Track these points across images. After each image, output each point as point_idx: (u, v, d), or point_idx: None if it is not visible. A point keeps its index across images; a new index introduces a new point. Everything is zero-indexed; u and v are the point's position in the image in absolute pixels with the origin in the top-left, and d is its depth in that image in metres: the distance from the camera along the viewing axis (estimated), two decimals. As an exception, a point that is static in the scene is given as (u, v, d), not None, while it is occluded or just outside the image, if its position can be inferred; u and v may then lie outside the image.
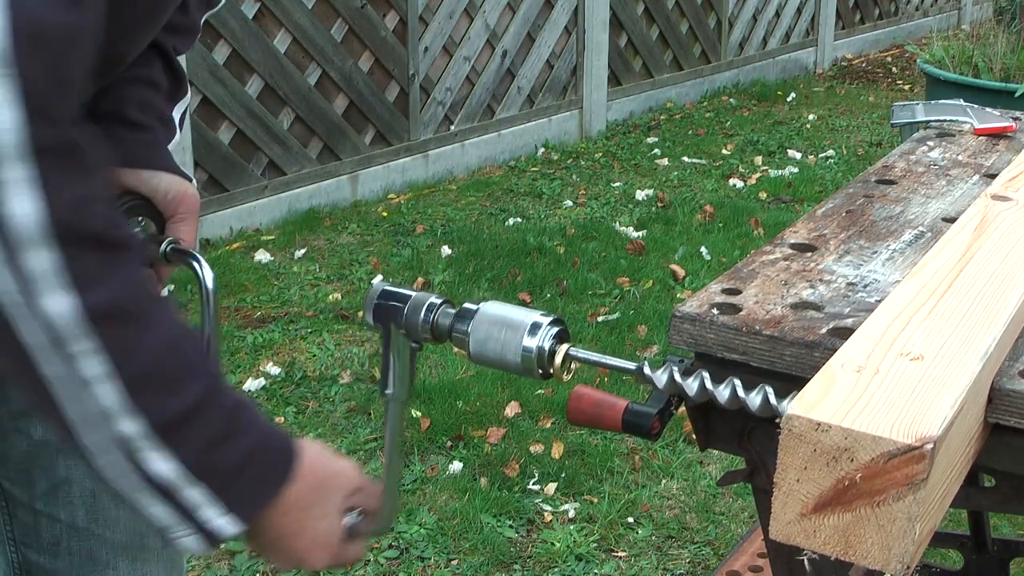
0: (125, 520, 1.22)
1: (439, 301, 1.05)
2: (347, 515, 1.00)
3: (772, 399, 0.91)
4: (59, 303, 0.80)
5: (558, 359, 1.01)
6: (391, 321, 1.05)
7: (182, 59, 1.24)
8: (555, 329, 1.01)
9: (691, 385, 0.95)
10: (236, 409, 0.89)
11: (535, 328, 1.00)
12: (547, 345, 1.00)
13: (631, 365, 1.00)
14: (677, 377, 0.96)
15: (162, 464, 0.85)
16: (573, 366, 1.02)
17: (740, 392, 0.93)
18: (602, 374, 3.21)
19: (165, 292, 1.20)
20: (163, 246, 1.15)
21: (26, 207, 0.77)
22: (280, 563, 0.97)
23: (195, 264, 1.15)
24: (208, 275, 1.16)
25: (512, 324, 1.01)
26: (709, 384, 0.94)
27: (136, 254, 0.86)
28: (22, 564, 1.24)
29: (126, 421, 0.83)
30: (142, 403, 0.84)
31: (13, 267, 0.78)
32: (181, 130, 1.22)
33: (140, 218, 1.15)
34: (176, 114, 1.20)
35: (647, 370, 0.98)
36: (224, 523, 0.89)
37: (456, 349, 1.07)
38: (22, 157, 0.77)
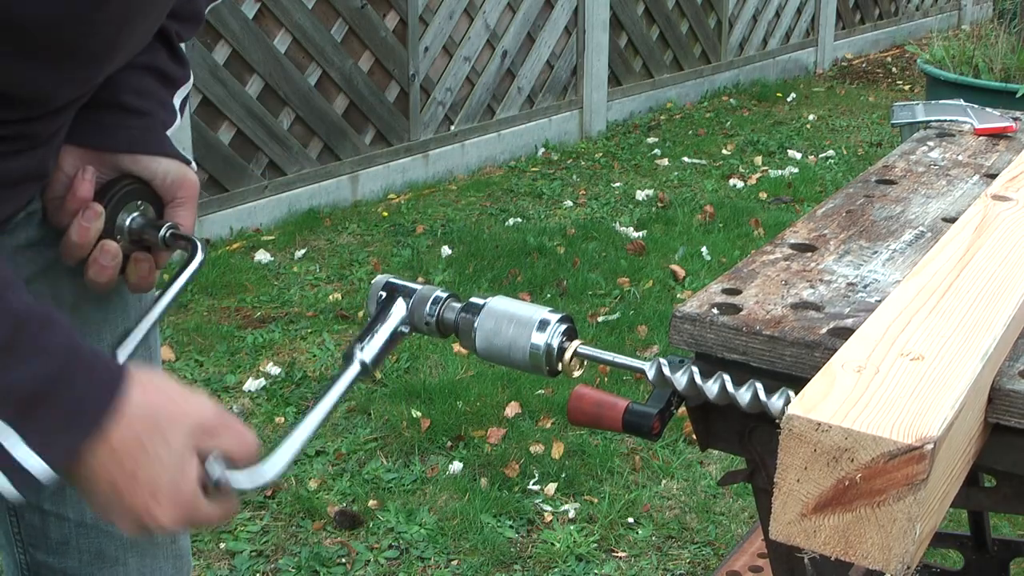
0: None
1: (445, 295, 1.05)
2: (209, 463, 0.85)
3: (762, 395, 0.90)
4: None
5: (567, 355, 1.00)
6: (401, 297, 1.03)
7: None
8: (564, 326, 1.01)
9: (679, 379, 0.95)
10: (31, 325, 0.78)
11: (544, 325, 1.00)
12: (555, 342, 1.00)
13: (639, 364, 1.00)
14: (665, 371, 0.96)
15: None
16: (575, 363, 1.02)
17: (730, 387, 0.93)
18: (602, 373, 3.21)
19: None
20: (162, 231, 1.14)
21: None
22: (119, 521, 0.84)
23: (193, 249, 1.15)
24: (198, 260, 1.15)
25: (520, 320, 1.01)
26: (698, 379, 0.94)
27: None
28: (30, 565, 1.24)
29: None
30: None
31: None
32: (182, 116, 1.22)
33: (139, 202, 1.15)
34: (177, 100, 1.20)
35: (666, 371, 0.97)
36: (34, 463, 0.77)
37: (460, 344, 1.06)
38: None
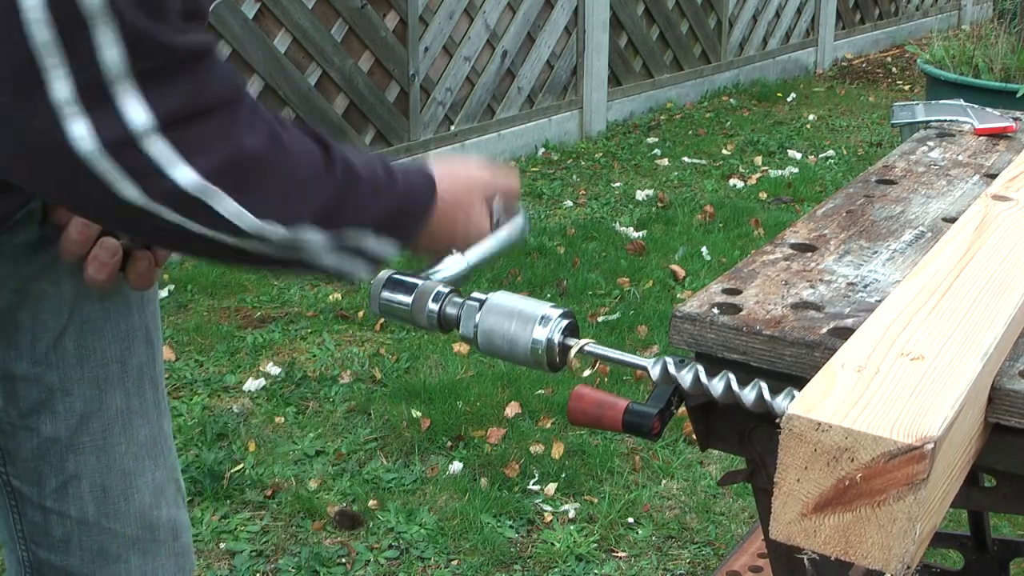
0: (135, 514, 1.23)
1: (447, 290, 1.05)
2: (494, 207, 1.17)
3: (766, 395, 0.91)
4: (181, 175, 0.87)
5: (572, 352, 1.00)
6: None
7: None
8: (565, 322, 1.01)
9: (685, 377, 0.95)
10: (380, 168, 1.03)
11: (545, 320, 1.00)
12: (557, 338, 1.00)
13: (643, 362, 1.00)
14: (671, 369, 0.96)
15: (372, 241, 1.03)
16: (580, 361, 1.02)
17: (734, 387, 0.93)
18: (603, 373, 3.21)
19: (165, 293, 1.20)
20: None
21: (135, 115, 0.83)
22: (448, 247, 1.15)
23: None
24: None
25: (522, 315, 1.01)
26: (704, 378, 0.94)
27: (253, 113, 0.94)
28: (32, 562, 1.24)
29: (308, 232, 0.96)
30: (298, 226, 0.95)
31: (138, 164, 0.85)
32: None
33: None
34: None
35: (671, 368, 0.97)
36: (387, 246, 1.05)
37: (461, 339, 1.06)
38: (128, 78, 0.82)
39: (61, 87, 0.81)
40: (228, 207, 0.89)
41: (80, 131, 0.82)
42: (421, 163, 1.12)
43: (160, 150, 0.84)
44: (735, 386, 0.92)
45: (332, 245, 0.98)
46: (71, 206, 0.99)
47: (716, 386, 0.94)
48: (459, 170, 1.16)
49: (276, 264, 0.97)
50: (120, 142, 0.83)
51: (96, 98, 0.82)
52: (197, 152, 0.86)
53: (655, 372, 0.98)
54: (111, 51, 0.81)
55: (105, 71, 0.81)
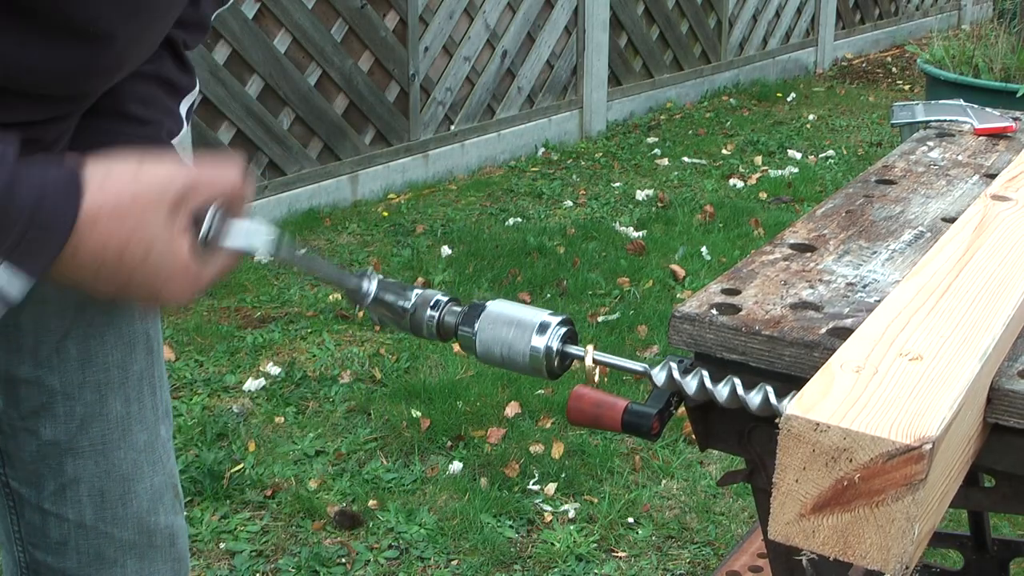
0: (133, 519, 1.23)
1: (445, 299, 1.05)
2: (202, 221, 0.85)
3: (772, 399, 0.91)
4: None
5: (588, 360, 1.00)
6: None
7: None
8: (564, 329, 1.01)
9: (690, 383, 0.95)
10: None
11: (543, 328, 1.00)
12: (555, 345, 1.00)
13: (643, 367, 1.00)
14: (676, 375, 0.96)
15: None
16: (595, 369, 1.02)
17: (740, 391, 0.93)
18: (602, 373, 3.21)
19: None
20: None
21: None
22: (140, 304, 0.86)
23: None
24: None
25: (520, 323, 1.01)
26: (708, 383, 0.94)
27: None
28: (29, 564, 1.24)
29: None
30: None
31: None
32: (188, 123, 1.21)
33: None
34: (183, 108, 1.20)
35: (675, 375, 0.97)
36: (6, 279, 0.79)
37: (459, 347, 1.06)
38: None
39: None
40: None
41: None
42: (71, 164, 0.83)
43: None
44: (740, 391, 0.92)
45: None
46: None
47: (721, 391, 0.94)
48: (130, 172, 0.84)
49: None
50: None
51: None
52: None
53: (660, 378, 0.98)
54: None
55: None
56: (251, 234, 0.89)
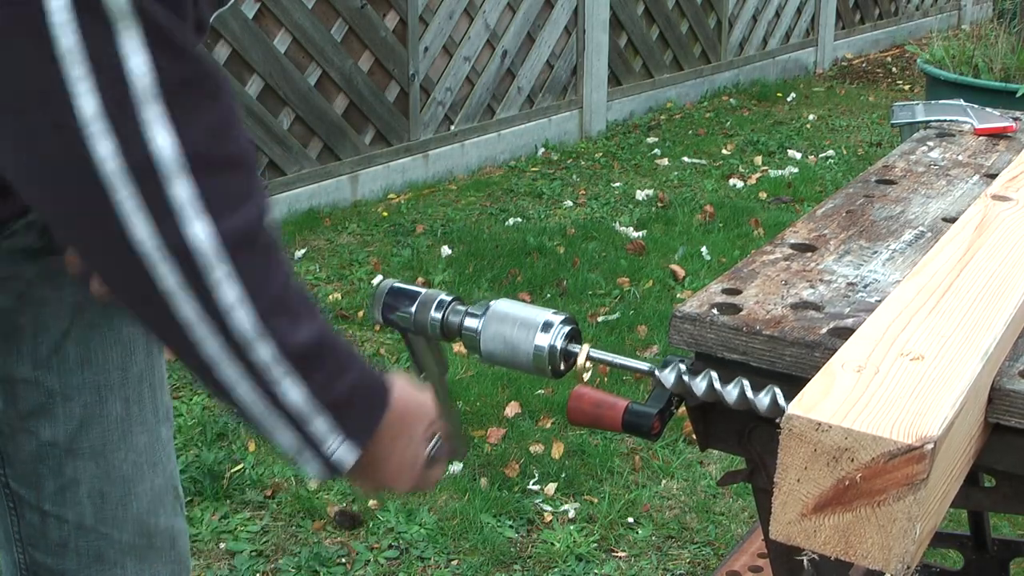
0: (133, 521, 1.23)
1: (449, 299, 1.05)
2: (428, 443, 1.05)
3: (781, 401, 0.90)
4: (198, 230, 0.81)
5: (581, 358, 1.01)
6: (401, 329, 1.07)
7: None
8: (567, 328, 1.01)
9: (699, 385, 0.95)
10: (347, 344, 0.94)
11: (547, 327, 1.00)
12: (559, 344, 1.00)
13: (649, 367, 1.00)
14: (685, 377, 0.96)
15: (294, 392, 0.90)
16: (586, 365, 1.02)
17: (748, 393, 0.93)
18: (602, 373, 3.21)
19: None
20: None
21: (162, 142, 0.79)
22: (368, 488, 1.05)
23: None
24: None
25: (524, 322, 1.01)
26: (718, 385, 0.94)
27: (260, 179, 0.88)
28: (29, 565, 1.24)
29: (261, 346, 0.87)
30: (274, 327, 0.87)
31: (158, 200, 0.80)
32: None
33: None
34: None
35: (685, 377, 0.97)
36: (344, 451, 0.93)
37: (461, 346, 1.06)
38: (156, 96, 0.79)
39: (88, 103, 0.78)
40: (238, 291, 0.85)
41: (105, 150, 0.79)
42: (380, 372, 1.00)
43: (186, 191, 0.81)
44: (749, 392, 0.92)
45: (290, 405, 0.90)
46: (73, 235, 0.89)
47: (730, 393, 0.94)
48: (412, 391, 1.04)
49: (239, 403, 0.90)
50: (145, 169, 0.79)
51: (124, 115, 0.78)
52: (222, 207, 0.83)
53: (668, 379, 0.98)
54: (137, 59, 0.78)
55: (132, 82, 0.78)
56: (454, 456, 1.12)
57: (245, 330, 0.86)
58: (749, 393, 0.93)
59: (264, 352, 0.87)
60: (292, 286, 0.90)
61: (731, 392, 0.94)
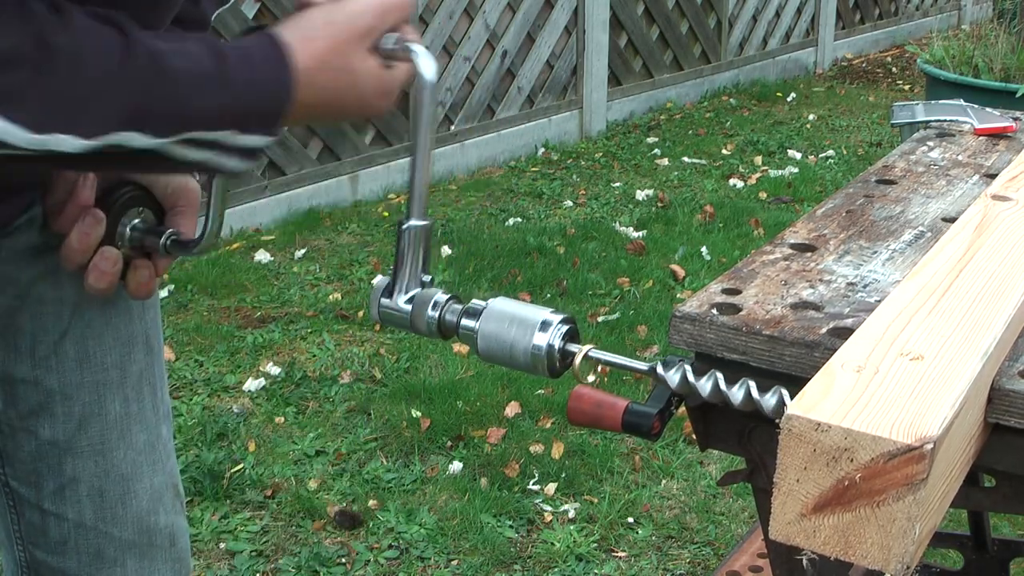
0: (133, 519, 1.23)
1: (446, 297, 1.05)
2: (382, 43, 0.97)
3: (787, 402, 0.90)
4: None
5: (578, 360, 1.00)
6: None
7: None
8: (565, 327, 1.01)
9: (704, 386, 0.95)
10: (214, 64, 0.89)
11: (545, 325, 1.00)
12: (557, 343, 1.00)
13: (650, 366, 1.00)
14: (690, 377, 0.96)
15: (193, 152, 0.89)
16: (588, 367, 1.01)
17: (755, 394, 0.93)
18: (602, 373, 3.21)
19: (165, 293, 1.21)
20: (163, 238, 1.15)
21: None
22: (338, 120, 1.01)
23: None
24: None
25: (522, 321, 1.01)
26: (723, 385, 0.94)
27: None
28: (29, 563, 1.24)
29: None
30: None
31: None
32: None
33: (140, 209, 1.15)
34: None
35: (690, 377, 0.97)
36: (251, 140, 0.91)
37: (460, 346, 1.06)
38: None
39: None
40: None
41: None
42: (268, 36, 0.93)
43: None
44: (755, 394, 0.92)
45: (169, 144, 0.87)
46: None
47: (736, 394, 0.94)
48: (323, 23, 0.94)
49: (124, 164, 0.90)
50: None
51: None
52: None
53: (673, 380, 0.98)
54: None
55: None
56: (423, 55, 1.00)
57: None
58: (755, 394, 0.92)
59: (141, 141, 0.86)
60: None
61: (736, 393, 0.94)
